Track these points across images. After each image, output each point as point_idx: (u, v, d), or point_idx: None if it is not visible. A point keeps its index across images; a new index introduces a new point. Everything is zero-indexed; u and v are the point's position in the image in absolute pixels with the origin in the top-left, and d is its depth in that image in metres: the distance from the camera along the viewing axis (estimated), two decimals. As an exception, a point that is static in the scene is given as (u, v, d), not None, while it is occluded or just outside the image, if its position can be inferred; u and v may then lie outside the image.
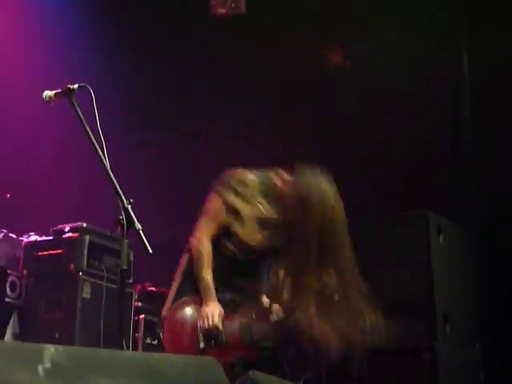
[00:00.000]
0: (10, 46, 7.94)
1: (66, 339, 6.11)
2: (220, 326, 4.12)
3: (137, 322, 6.85)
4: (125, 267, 3.80)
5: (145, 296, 7.04)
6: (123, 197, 3.85)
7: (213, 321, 4.11)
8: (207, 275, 4.20)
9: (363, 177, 7.96)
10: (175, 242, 6.89)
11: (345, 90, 7.84)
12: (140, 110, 8.20)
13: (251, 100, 8.07)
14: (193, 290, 4.27)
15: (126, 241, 3.81)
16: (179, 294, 4.35)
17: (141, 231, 3.79)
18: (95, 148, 3.98)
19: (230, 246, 4.27)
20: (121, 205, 3.83)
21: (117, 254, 6.01)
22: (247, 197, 4.26)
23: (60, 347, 2.97)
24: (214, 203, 4.27)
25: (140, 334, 6.79)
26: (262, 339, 4.17)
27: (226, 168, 4.42)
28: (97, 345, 6.01)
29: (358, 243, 7.05)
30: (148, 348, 6.78)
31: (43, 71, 7.64)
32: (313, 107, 8.03)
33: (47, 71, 7.60)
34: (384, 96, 7.75)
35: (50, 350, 2.88)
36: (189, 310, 4.24)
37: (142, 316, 6.95)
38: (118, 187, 3.92)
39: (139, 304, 6.84)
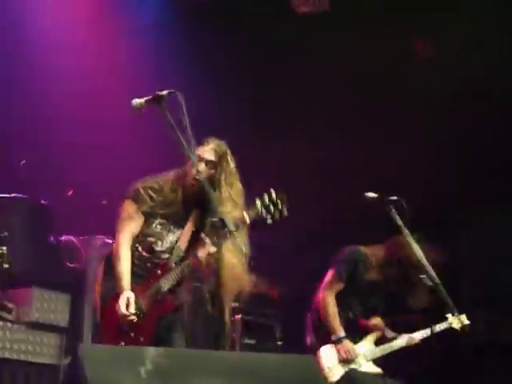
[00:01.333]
0: (100, 51, 8.12)
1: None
2: (130, 311, 4.40)
3: (234, 323, 6.90)
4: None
5: (244, 297, 7.10)
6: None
7: (123, 312, 4.39)
8: (119, 267, 4.51)
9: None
10: (268, 241, 6.94)
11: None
12: (228, 115, 8.22)
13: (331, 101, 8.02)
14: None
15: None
16: None
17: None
18: (188, 154, 4.04)
19: None
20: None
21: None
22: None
23: (161, 349, 3.03)
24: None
25: (237, 334, 6.84)
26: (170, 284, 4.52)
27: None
28: (195, 345, 6.09)
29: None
30: (245, 348, 6.82)
31: (133, 78, 7.76)
32: (377, 105, 7.92)
33: (137, 78, 7.72)
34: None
35: (152, 352, 2.95)
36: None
37: (239, 316, 7.00)
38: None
39: (236, 304, 6.89)
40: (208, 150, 4.63)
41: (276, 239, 7.27)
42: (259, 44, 7.91)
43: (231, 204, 4.56)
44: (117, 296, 4.43)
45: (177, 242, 4.64)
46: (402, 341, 5.73)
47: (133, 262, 4.57)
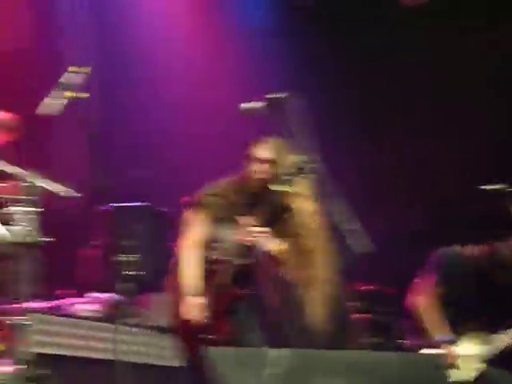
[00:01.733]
0: (207, 55, 8.26)
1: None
2: (195, 315, 4.49)
3: (355, 322, 6.89)
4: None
5: (361, 295, 7.09)
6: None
7: (187, 318, 4.49)
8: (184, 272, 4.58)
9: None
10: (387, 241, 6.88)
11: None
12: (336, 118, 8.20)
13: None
14: None
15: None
16: None
17: (354, 232, 3.84)
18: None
19: None
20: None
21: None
22: None
23: (283, 350, 3.06)
24: None
25: (360, 333, 6.83)
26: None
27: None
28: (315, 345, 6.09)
29: None
30: (368, 346, 6.80)
31: (240, 83, 7.85)
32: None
33: (244, 83, 7.80)
34: None
35: (274, 353, 2.98)
36: None
37: (362, 315, 6.99)
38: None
39: (356, 304, 6.89)
40: (264, 149, 4.62)
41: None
42: (365, 46, 7.89)
43: (301, 198, 4.54)
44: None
45: None
46: (503, 338, 5.50)
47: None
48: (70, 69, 3.78)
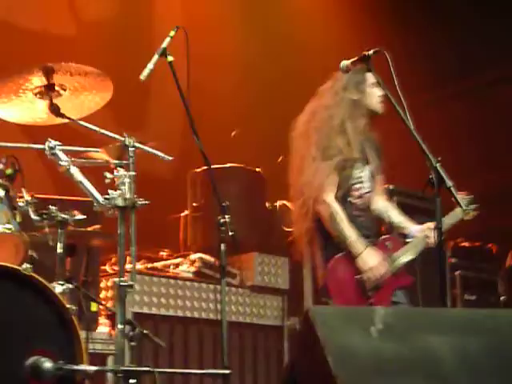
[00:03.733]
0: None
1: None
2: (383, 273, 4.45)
3: (452, 279, 6.80)
4: (440, 226, 3.81)
5: (458, 252, 6.97)
6: (431, 156, 3.85)
7: (379, 272, 4.42)
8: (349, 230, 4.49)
9: None
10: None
11: None
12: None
13: None
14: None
15: (438, 199, 3.82)
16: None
17: (452, 188, 3.79)
18: (397, 110, 4.03)
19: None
20: (429, 164, 3.84)
21: (426, 213, 5.95)
22: None
23: (390, 309, 3.05)
24: None
25: (457, 291, 6.74)
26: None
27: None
28: (415, 303, 6.05)
29: None
30: (466, 304, 6.72)
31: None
32: None
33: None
34: None
35: (381, 312, 2.98)
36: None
37: (458, 272, 6.88)
38: (424, 147, 3.93)
39: (453, 260, 6.79)
40: None
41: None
42: None
43: None
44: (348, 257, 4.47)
45: None
46: None
47: None
48: (171, 33, 3.81)
